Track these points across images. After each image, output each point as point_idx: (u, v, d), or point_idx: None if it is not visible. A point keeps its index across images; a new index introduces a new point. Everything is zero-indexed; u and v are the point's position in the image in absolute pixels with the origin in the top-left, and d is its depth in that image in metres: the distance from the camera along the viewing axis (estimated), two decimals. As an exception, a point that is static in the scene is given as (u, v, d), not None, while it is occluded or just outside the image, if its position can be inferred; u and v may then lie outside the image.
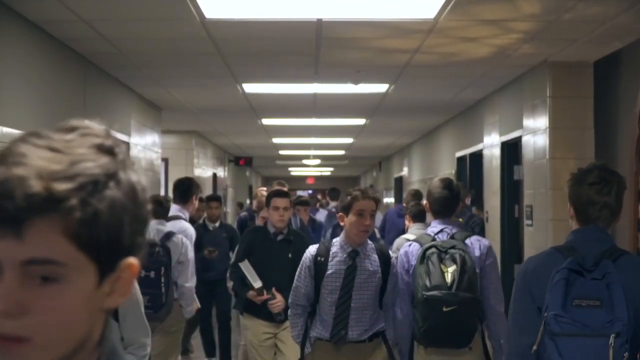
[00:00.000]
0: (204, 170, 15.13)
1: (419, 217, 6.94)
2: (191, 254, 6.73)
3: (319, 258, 4.74)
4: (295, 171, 29.43)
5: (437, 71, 7.80)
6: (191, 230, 7.46)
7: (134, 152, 8.94)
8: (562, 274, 2.98)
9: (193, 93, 9.46)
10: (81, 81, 7.04)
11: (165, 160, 13.09)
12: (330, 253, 4.74)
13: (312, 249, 4.82)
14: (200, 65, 7.54)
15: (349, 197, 4.72)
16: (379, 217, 13.99)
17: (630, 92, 6.67)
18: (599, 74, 7.09)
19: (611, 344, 2.90)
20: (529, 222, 7.43)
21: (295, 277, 4.84)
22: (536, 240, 7.26)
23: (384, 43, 6.60)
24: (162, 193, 12.42)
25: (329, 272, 4.70)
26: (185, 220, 7.38)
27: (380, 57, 7.12)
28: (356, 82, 8.36)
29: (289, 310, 4.91)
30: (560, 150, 7.03)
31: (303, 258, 4.82)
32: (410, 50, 6.76)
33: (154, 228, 6.67)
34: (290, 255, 6.14)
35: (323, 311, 4.75)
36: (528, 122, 7.60)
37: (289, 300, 4.91)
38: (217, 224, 9.05)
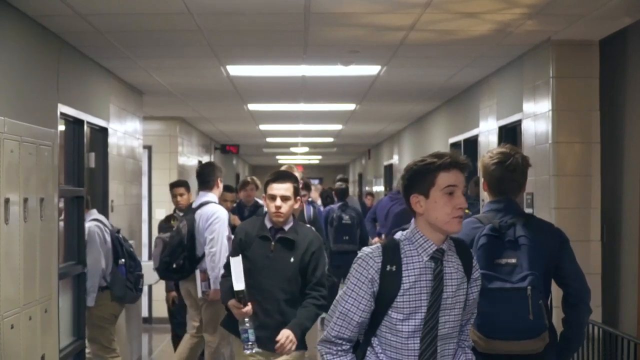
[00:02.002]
0: (189, 158, 14.71)
1: None
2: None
3: (388, 267, 3.12)
4: (283, 159, 29.03)
5: (432, 51, 7.38)
6: (223, 211, 7.24)
7: (114, 138, 8.50)
8: (484, 238, 3.73)
9: (175, 76, 9.01)
10: (54, 62, 6.58)
11: (148, 148, 12.71)
12: (403, 257, 3.15)
13: (374, 253, 3.15)
14: (181, 44, 7.08)
15: (427, 166, 3.12)
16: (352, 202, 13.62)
17: (638, 72, 6.31)
18: (605, 53, 6.70)
19: (529, 295, 3.67)
20: (530, 210, 7.03)
21: (343, 297, 3.17)
22: (538, 229, 6.87)
23: (377, 19, 6.17)
24: (146, 181, 12.03)
25: (406, 286, 3.12)
26: (214, 202, 7.33)
27: (373, 35, 6.70)
28: (347, 63, 7.95)
29: (321, 348, 3.23)
30: (564, 134, 6.63)
31: (357, 267, 3.16)
32: (405, 27, 6.33)
33: (103, 220, 6.79)
34: (292, 260, 4.89)
35: (391, 347, 3.16)
36: (529, 105, 7.20)
37: (327, 334, 3.20)
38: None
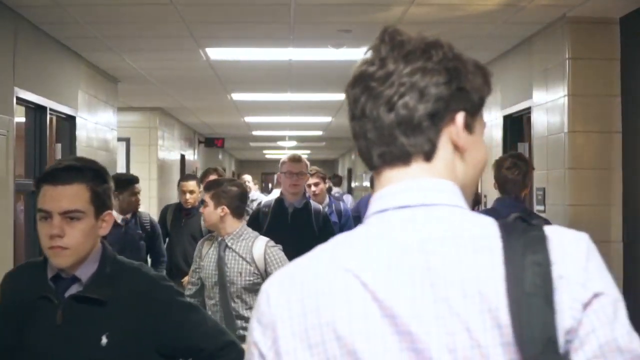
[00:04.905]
0: (171, 152, 14.00)
1: None
2: None
3: None
4: (270, 154, 28.37)
5: (433, 30, 6.63)
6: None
7: (83, 128, 7.77)
8: None
9: (151, 60, 8.26)
10: (10, 40, 5.86)
11: (126, 140, 12.01)
12: None
13: None
14: (152, 21, 6.34)
15: None
16: (348, 200, 13.05)
17: (664, 53, 5.65)
18: (626, 32, 6.01)
19: None
20: (541, 207, 6.35)
21: None
22: (551, 228, 6.19)
23: (373, -9, 5.48)
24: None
25: None
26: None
27: (366, 11, 5.99)
28: (337, 46, 7.24)
29: None
30: (581, 122, 5.94)
31: None
32: (405, 1, 5.63)
33: None
34: (103, 341, 2.32)
35: None
36: (539, 91, 6.51)
37: None
38: (129, 216, 6.35)
